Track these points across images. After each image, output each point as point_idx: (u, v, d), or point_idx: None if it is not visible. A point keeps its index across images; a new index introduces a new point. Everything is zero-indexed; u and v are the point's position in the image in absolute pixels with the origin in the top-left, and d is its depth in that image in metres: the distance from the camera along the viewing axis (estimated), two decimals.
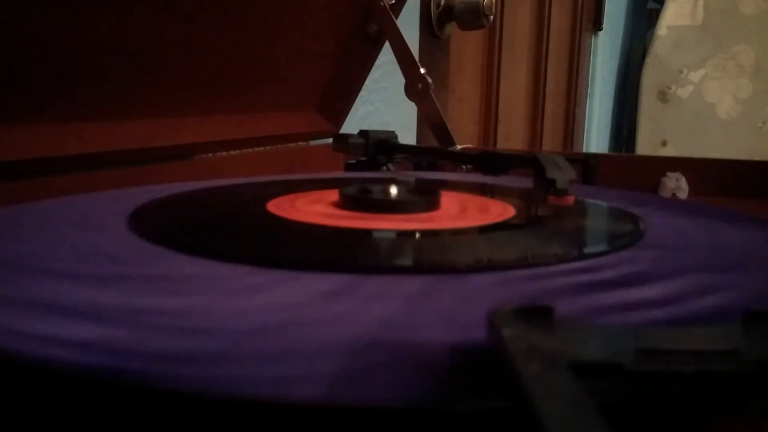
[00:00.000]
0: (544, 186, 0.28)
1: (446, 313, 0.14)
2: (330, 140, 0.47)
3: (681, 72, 1.68)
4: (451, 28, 0.84)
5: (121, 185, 0.35)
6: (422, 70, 0.54)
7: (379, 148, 0.44)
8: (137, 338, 0.12)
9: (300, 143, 0.55)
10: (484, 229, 0.24)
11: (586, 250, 0.20)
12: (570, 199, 0.27)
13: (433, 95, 0.54)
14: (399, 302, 0.15)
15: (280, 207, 0.27)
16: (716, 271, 0.18)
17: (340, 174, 0.45)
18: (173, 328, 0.13)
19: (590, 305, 0.15)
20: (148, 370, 0.11)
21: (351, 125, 0.60)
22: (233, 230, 0.24)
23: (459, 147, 0.53)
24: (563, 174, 0.27)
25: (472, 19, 0.79)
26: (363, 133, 0.44)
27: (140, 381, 0.10)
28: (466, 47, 0.96)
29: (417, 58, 0.54)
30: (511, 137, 1.16)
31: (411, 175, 0.43)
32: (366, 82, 0.58)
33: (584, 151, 1.56)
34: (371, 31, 0.54)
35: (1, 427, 0.11)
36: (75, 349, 0.11)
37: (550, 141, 1.36)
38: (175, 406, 0.10)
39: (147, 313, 0.14)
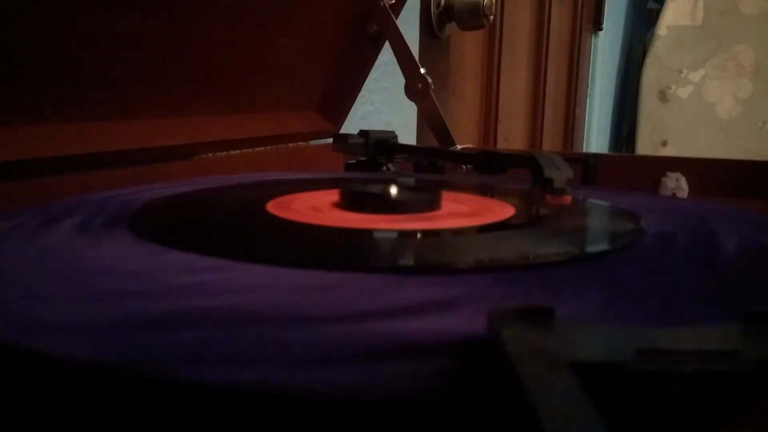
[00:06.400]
0: (542, 185, 0.28)
1: (446, 313, 0.14)
2: (330, 140, 0.47)
3: (681, 72, 1.68)
4: (451, 28, 0.84)
5: (121, 185, 0.35)
6: (422, 70, 0.54)
7: (379, 148, 0.44)
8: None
9: (300, 143, 0.55)
10: (482, 229, 0.24)
11: (583, 251, 0.20)
12: (567, 199, 0.27)
13: (433, 95, 0.54)
14: (397, 302, 0.15)
15: (279, 207, 0.27)
16: (704, 278, 0.18)
17: (340, 174, 0.45)
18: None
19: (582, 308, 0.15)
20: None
21: (351, 125, 0.60)
22: (234, 228, 0.24)
23: (459, 147, 0.53)
24: (560, 173, 0.27)
25: (472, 19, 0.79)
26: (363, 133, 0.44)
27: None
28: (466, 47, 0.96)
29: (417, 58, 0.54)
30: (511, 137, 1.16)
31: (411, 175, 0.43)
32: (366, 82, 0.58)
33: (584, 151, 1.56)
34: (371, 31, 0.54)
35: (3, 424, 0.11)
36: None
37: (550, 141, 1.36)
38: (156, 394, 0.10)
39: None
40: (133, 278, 0.17)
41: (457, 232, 0.23)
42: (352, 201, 0.27)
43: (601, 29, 1.54)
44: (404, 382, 0.11)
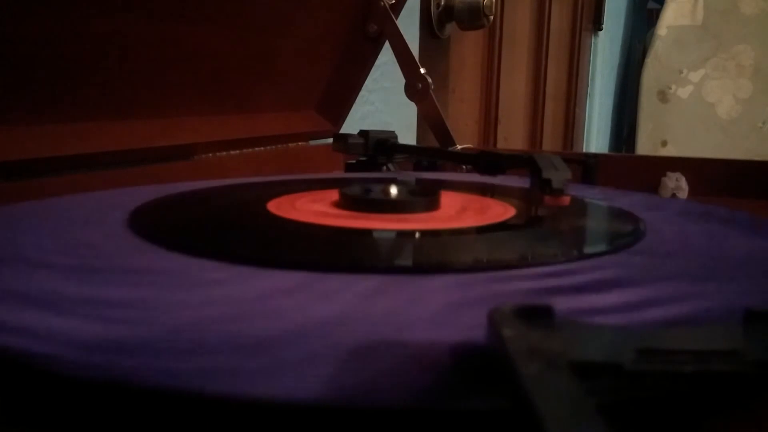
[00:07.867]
0: (540, 186, 0.28)
1: (446, 313, 0.14)
2: (330, 140, 0.47)
3: (681, 72, 1.68)
4: (451, 28, 0.84)
5: (121, 185, 0.35)
6: (422, 70, 0.54)
7: (379, 148, 0.44)
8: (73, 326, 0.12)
9: (300, 143, 0.55)
10: (480, 230, 0.24)
11: (578, 253, 0.20)
12: (565, 200, 0.27)
13: (433, 95, 0.54)
14: (396, 302, 0.15)
15: (279, 207, 0.27)
16: (700, 279, 0.18)
17: (340, 174, 0.45)
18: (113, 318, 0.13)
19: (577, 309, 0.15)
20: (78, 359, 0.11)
21: (351, 125, 0.60)
22: (231, 230, 0.24)
23: (459, 147, 0.53)
24: (559, 174, 0.27)
25: (472, 19, 0.79)
26: (363, 133, 0.44)
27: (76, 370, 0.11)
28: (466, 47, 0.96)
29: (417, 58, 0.54)
30: (511, 137, 1.16)
31: (411, 175, 0.43)
32: (366, 82, 0.58)
33: (584, 151, 1.56)
34: (371, 31, 0.54)
35: None
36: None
37: (550, 141, 1.36)
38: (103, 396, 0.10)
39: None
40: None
41: (456, 232, 0.23)
42: (353, 202, 0.27)
43: (601, 29, 1.54)
44: (404, 382, 0.11)
